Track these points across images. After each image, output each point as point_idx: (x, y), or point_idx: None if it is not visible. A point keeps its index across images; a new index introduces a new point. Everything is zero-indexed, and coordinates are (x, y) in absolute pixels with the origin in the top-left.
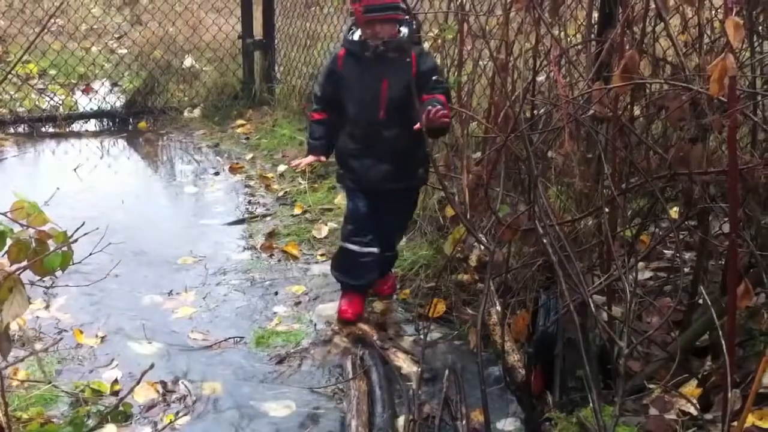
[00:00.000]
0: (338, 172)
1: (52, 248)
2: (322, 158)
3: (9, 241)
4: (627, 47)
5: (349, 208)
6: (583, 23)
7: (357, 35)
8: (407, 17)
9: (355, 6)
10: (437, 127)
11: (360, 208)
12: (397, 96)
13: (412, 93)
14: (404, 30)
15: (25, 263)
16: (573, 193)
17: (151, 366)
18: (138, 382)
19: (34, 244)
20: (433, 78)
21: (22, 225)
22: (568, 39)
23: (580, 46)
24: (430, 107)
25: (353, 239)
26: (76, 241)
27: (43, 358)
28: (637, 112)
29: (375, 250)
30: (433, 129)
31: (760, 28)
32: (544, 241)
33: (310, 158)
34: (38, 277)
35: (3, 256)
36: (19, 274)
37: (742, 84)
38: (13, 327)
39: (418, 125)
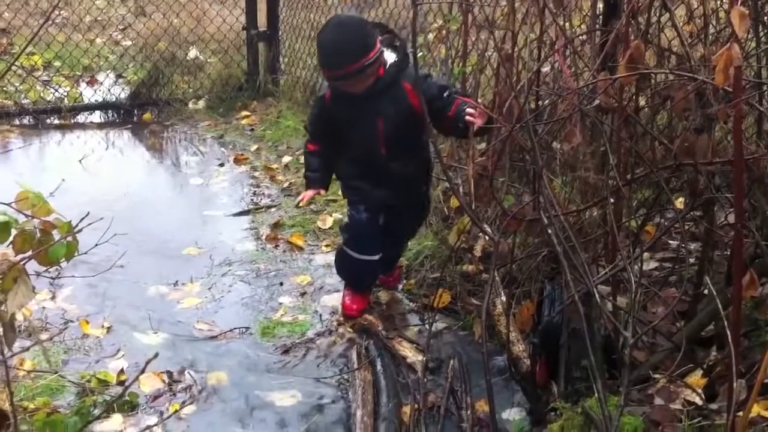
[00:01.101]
0: (342, 187)
1: (56, 238)
2: (322, 191)
3: (14, 232)
4: (632, 37)
5: (350, 217)
6: (588, 13)
7: None
8: (393, 42)
9: (323, 69)
10: (484, 125)
11: (362, 219)
12: (395, 132)
13: (412, 124)
14: (390, 57)
15: (29, 253)
16: (578, 183)
17: (156, 355)
18: (142, 371)
19: (38, 235)
20: (445, 95)
21: (26, 215)
22: (573, 29)
23: (584, 37)
24: (468, 108)
25: (353, 247)
26: (80, 230)
27: (49, 349)
28: (642, 102)
29: (375, 257)
30: (481, 127)
31: (766, 18)
32: (549, 231)
33: (311, 192)
34: (44, 268)
35: (8, 246)
36: (23, 264)
37: (747, 74)
38: (20, 318)
39: (477, 121)
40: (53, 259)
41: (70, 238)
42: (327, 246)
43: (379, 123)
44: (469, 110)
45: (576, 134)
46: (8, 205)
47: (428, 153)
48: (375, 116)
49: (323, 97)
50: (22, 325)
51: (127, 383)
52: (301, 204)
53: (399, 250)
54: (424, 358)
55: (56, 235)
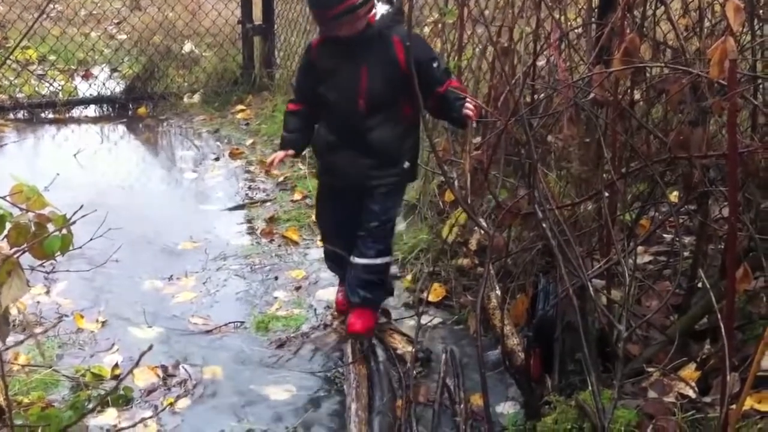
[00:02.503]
0: (317, 167)
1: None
2: (290, 151)
3: (8, 225)
4: (627, 31)
5: (318, 209)
6: (584, 7)
7: None
8: None
9: (313, 11)
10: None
11: (328, 210)
12: (379, 87)
13: (397, 81)
14: (381, 9)
15: (24, 246)
16: (572, 177)
17: (150, 347)
18: (137, 363)
19: (33, 228)
20: (435, 66)
21: (21, 209)
22: (569, 23)
23: (580, 30)
24: (468, 103)
25: (326, 240)
26: (74, 223)
27: (43, 343)
28: (637, 96)
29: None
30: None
31: (761, 11)
32: (544, 225)
33: (281, 154)
34: (38, 262)
35: (2, 239)
36: (17, 257)
37: (742, 67)
38: (14, 312)
39: (469, 113)
40: (48, 253)
41: (65, 231)
42: (322, 241)
43: (363, 72)
44: (469, 104)
45: (570, 127)
46: (3, 198)
47: (413, 128)
48: (360, 65)
49: (310, 45)
50: (16, 319)
51: (121, 377)
52: (269, 168)
53: (371, 253)
54: (414, 350)
55: (51, 228)
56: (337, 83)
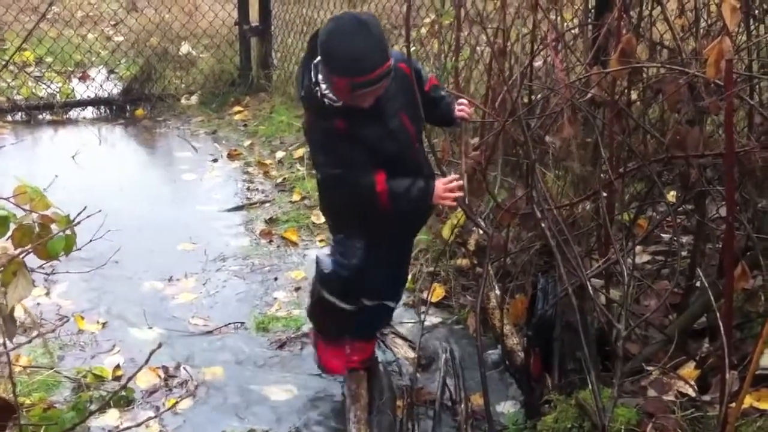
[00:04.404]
0: (363, 228)
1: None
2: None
3: (12, 226)
4: (624, 31)
5: (357, 266)
6: (580, 7)
7: (325, 88)
8: None
9: (336, 79)
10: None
11: (394, 258)
12: (417, 119)
13: (419, 105)
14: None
15: (29, 247)
16: (571, 177)
17: (159, 345)
18: (147, 362)
19: (37, 229)
20: (420, 68)
21: (24, 210)
22: (565, 24)
23: (576, 31)
24: (461, 102)
25: (345, 298)
26: (78, 224)
27: (43, 345)
28: (634, 96)
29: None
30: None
31: (757, 11)
32: (543, 225)
33: (456, 184)
34: (38, 264)
35: (7, 240)
36: (23, 257)
37: (738, 67)
38: (20, 313)
39: (464, 115)
40: (52, 253)
41: (68, 232)
42: (321, 241)
43: (404, 119)
44: (463, 101)
45: (570, 126)
46: (6, 199)
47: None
48: (398, 114)
49: (332, 129)
50: (18, 320)
51: (125, 378)
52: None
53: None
54: (416, 354)
55: (54, 229)
56: (390, 146)
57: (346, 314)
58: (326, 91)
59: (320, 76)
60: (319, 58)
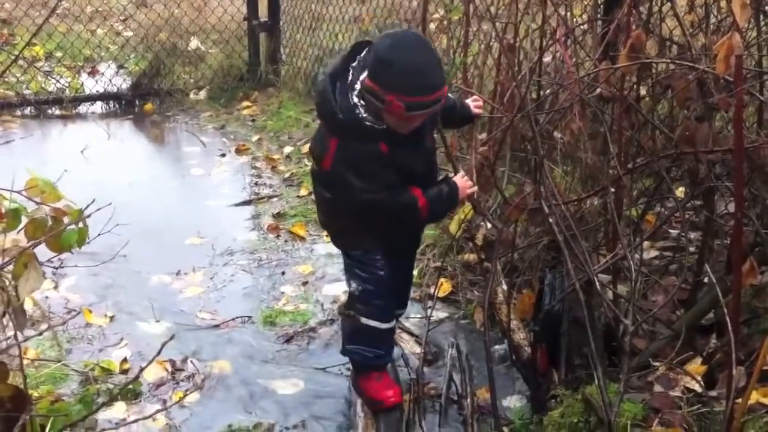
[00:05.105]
0: (380, 240)
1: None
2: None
3: (24, 219)
4: (633, 27)
5: (382, 277)
6: (590, 3)
7: (364, 110)
8: None
9: (391, 98)
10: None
11: (405, 269)
12: (432, 134)
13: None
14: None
15: (41, 239)
16: (579, 172)
17: (172, 337)
18: (158, 353)
19: (50, 222)
20: None
21: (36, 203)
22: (575, 19)
23: (586, 26)
24: (475, 99)
25: (383, 315)
26: (89, 216)
27: (53, 337)
28: (643, 91)
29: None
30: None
31: (767, 7)
32: (550, 220)
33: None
34: (47, 258)
35: (18, 233)
36: (33, 249)
37: (748, 63)
38: (30, 306)
39: (479, 111)
40: (65, 246)
41: (81, 225)
42: (328, 236)
43: (430, 139)
44: (475, 97)
45: (580, 120)
46: (18, 192)
47: None
48: (424, 137)
49: (376, 153)
50: (35, 312)
51: (133, 371)
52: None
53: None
54: (422, 349)
55: (66, 221)
56: (419, 167)
57: (385, 336)
58: (366, 114)
59: (357, 98)
60: (363, 76)
